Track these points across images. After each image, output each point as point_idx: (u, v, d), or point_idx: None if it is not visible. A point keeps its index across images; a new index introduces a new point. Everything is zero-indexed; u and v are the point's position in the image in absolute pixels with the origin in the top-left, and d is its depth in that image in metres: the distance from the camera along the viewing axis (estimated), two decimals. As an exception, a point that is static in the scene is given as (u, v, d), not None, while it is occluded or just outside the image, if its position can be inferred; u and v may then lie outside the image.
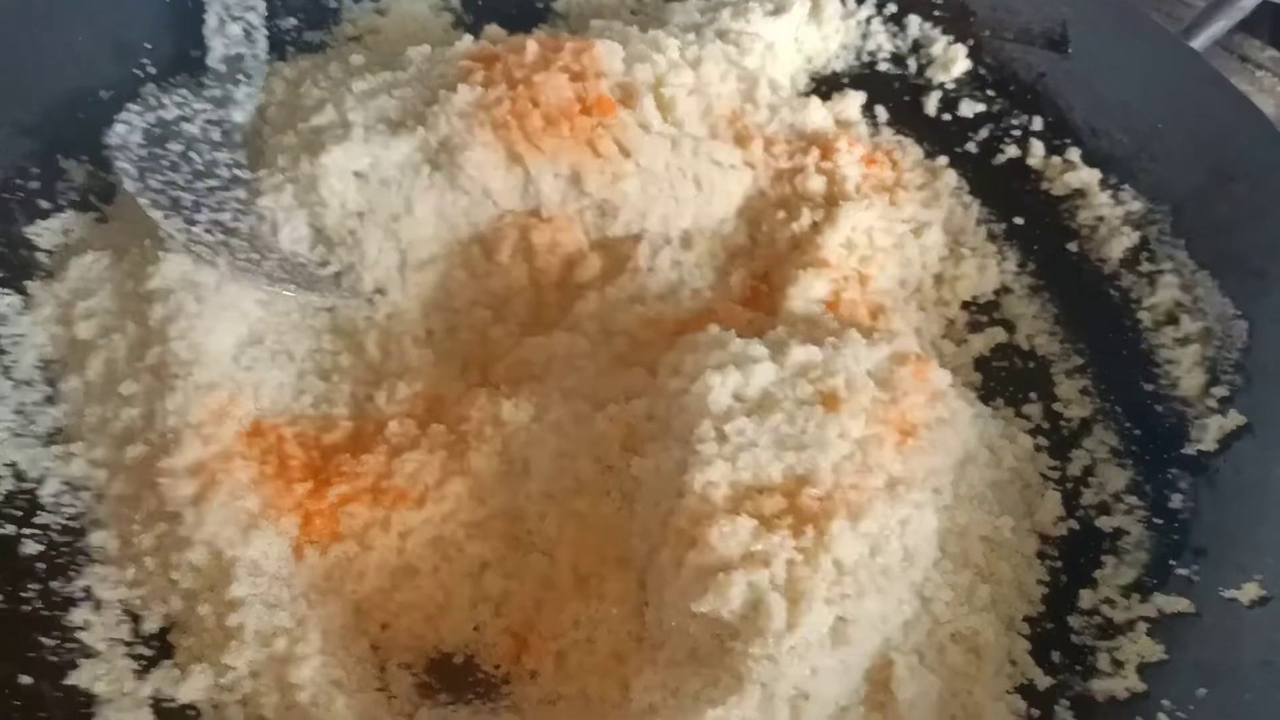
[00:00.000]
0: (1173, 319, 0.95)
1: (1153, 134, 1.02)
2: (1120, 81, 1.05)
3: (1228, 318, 0.91)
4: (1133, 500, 0.88)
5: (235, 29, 1.08)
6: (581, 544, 0.85)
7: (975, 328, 1.03)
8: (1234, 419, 0.87)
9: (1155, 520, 0.86)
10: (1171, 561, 0.83)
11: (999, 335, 1.02)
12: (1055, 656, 0.81)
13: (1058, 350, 1.01)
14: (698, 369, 0.84)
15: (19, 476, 0.86)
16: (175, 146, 0.99)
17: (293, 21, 1.16)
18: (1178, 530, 0.85)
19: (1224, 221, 0.96)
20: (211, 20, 1.07)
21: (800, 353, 0.84)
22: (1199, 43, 1.09)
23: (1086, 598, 0.84)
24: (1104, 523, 0.88)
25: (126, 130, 0.97)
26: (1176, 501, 0.86)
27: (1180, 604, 0.79)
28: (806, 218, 0.97)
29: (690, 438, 0.81)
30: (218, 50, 1.07)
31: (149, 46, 1.08)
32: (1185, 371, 0.92)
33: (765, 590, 0.72)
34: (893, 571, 0.76)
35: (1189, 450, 0.88)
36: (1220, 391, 0.89)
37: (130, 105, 0.99)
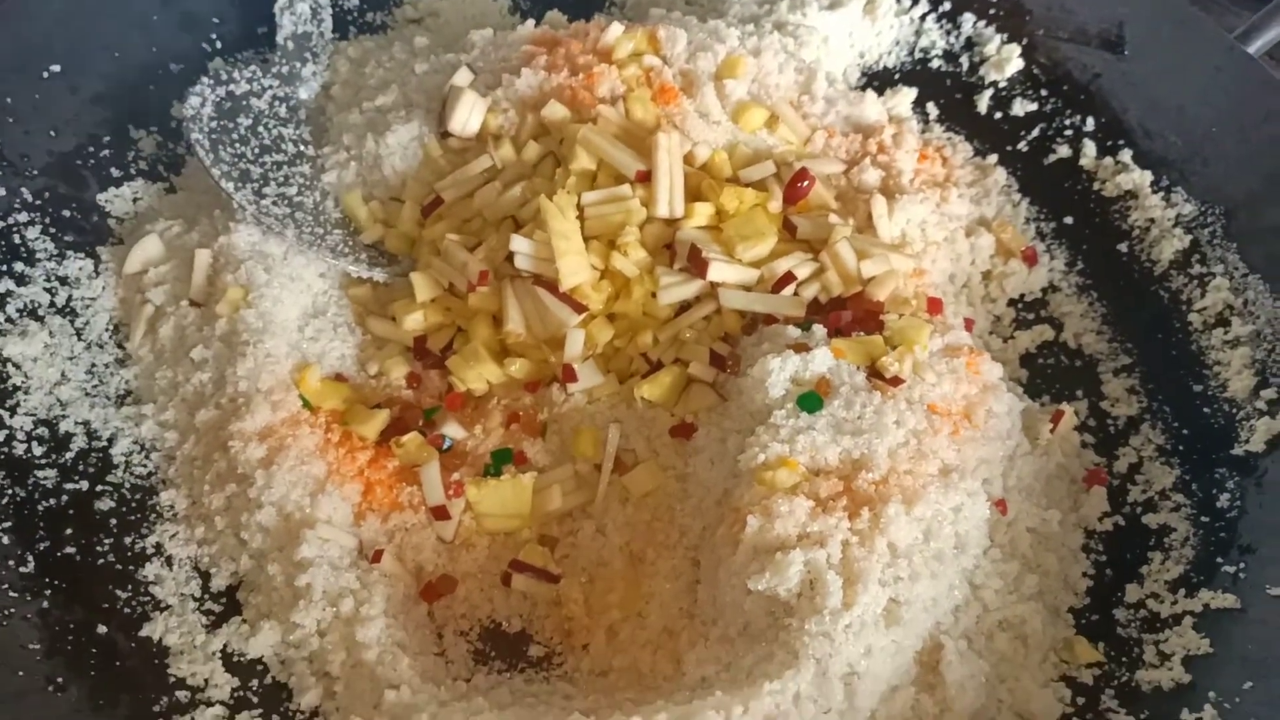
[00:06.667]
0: (1223, 321, 0.96)
1: (1207, 138, 1.02)
2: (1176, 84, 1.05)
3: (1279, 321, 0.92)
4: (1179, 498, 0.89)
5: (303, 7, 1.11)
6: (635, 521, 0.86)
7: (1022, 325, 1.04)
8: (1283, 421, 0.88)
9: (1202, 518, 0.87)
10: (1218, 559, 0.84)
11: (1046, 333, 1.03)
12: (1101, 647, 0.82)
13: (1105, 349, 1.01)
14: (757, 354, 0.85)
15: (91, 435, 0.88)
16: (244, 120, 1.01)
17: (355, 2, 1.19)
18: (1224, 528, 0.85)
19: (1277, 226, 0.96)
20: None
21: (857, 340, 0.85)
22: (1256, 48, 1.09)
23: (1132, 592, 0.85)
24: (1150, 519, 0.89)
25: (199, 103, 0.99)
26: (1223, 500, 0.87)
27: (1227, 600, 0.80)
28: (862, 210, 0.98)
29: (748, 420, 0.83)
30: (286, 28, 1.09)
31: (217, 21, 1.10)
32: (1234, 373, 0.93)
33: (822, 569, 0.73)
34: (945, 557, 0.78)
35: (1237, 450, 0.89)
36: (1269, 394, 0.90)
37: (202, 79, 1.01)
